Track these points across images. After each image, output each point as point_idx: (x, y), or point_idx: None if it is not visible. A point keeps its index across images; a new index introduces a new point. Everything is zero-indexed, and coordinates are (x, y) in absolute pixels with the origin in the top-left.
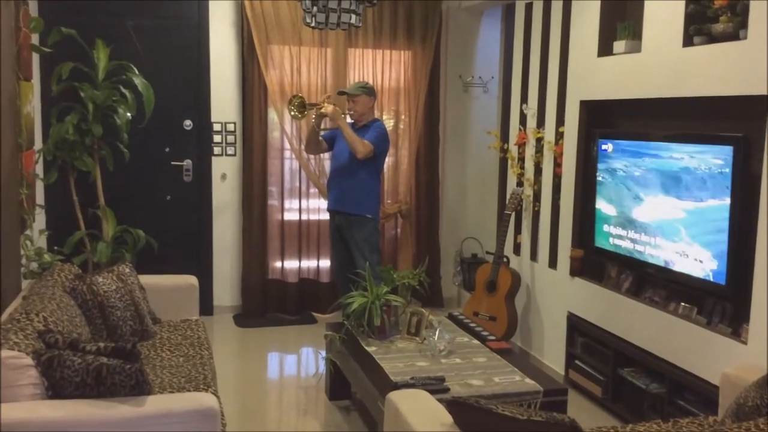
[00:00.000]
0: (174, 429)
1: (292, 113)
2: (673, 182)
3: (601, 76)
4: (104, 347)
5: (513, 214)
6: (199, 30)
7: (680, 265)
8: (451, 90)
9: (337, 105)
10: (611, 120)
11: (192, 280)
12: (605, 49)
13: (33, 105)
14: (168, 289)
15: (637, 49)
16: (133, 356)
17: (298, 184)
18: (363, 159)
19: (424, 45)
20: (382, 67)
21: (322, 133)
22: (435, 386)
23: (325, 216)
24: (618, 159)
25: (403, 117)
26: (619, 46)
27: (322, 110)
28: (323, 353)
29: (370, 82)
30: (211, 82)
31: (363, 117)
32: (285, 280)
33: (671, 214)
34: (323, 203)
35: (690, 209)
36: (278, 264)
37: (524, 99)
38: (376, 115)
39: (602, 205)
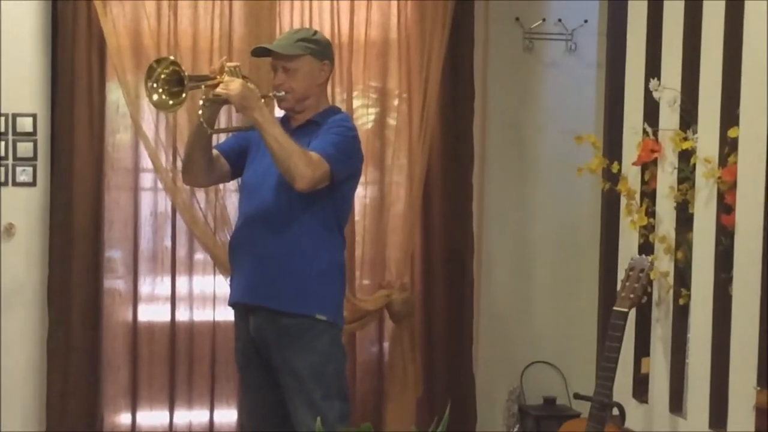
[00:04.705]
0: None
1: (156, 97)
2: None
3: None
4: None
5: (632, 312)
6: None
7: None
8: (498, 47)
9: (249, 79)
10: None
11: None
12: None
13: None
14: None
15: None
16: None
17: (170, 243)
18: (308, 191)
19: None
20: (350, 1)
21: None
22: None
23: (228, 315)
24: None
25: (395, 103)
26: None
27: (219, 89)
28: None
29: (324, 31)
30: None
31: (306, 103)
32: None
33: None
34: (224, 286)
35: None
36: (124, 419)
37: (654, 70)
38: (337, 101)
39: None
